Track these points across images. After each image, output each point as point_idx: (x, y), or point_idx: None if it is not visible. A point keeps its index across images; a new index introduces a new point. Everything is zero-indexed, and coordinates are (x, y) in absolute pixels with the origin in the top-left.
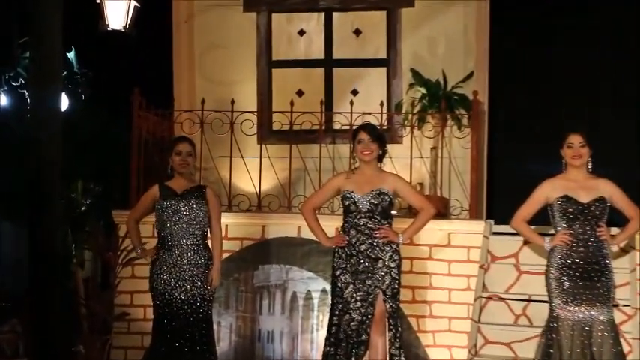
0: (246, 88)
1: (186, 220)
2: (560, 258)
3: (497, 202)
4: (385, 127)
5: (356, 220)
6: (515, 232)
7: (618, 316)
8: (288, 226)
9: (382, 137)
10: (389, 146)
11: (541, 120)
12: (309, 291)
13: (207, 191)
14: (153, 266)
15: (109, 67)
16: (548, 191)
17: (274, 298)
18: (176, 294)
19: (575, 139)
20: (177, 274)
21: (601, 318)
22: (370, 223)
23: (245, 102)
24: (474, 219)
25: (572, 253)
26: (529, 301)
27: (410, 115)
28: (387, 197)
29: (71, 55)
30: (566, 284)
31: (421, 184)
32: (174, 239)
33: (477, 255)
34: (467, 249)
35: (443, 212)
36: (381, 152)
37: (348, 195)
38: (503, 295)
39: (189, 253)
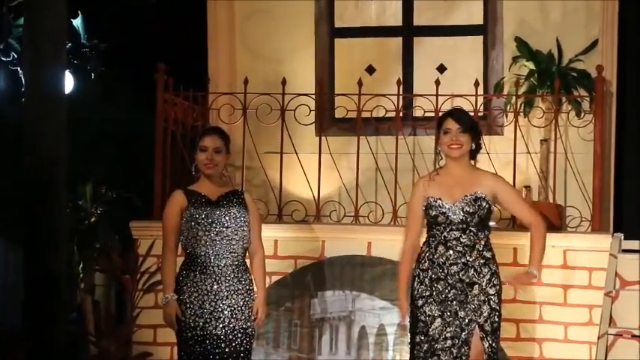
0: (302, 65)
1: (227, 233)
2: None
3: (628, 210)
4: (481, 114)
5: (445, 234)
6: None
7: None
8: (354, 242)
9: (476, 126)
10: (486, 138)
11: None
12: (382, 325)
13: (246, 196)
14: (180, 292)
15: (126, 38)
16: None
17: (337, 333)
18: (211, 328)
19: None
20: (213, 303)
21: None
22: (464, 237)
23: (300, 82)
24: (598, 232)
25: None
26: None
27: (514, 98)
28: (484, 203)
29: (77, 23)
30: None
31: (528, 188)
32: (209, 259)
33: (602, 279)
34: (588, 271)
35: (557, 224)
36: (474, 146)
37: (434, 203)
38: (636, 332)
39: (229, 277)
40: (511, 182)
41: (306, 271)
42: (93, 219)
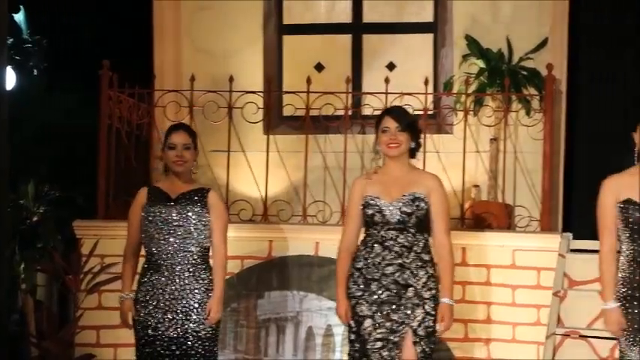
0: (250, 62)
1: (179, 232)
2: (622, 285)
3: (577, 210)
4: (430, 113)
5: (382, 234)
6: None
7: None
8: (302, 242)
9: (415, 125)
10: (436, 137)
11: (637, 103)
12: (329, 326)
13: (210, 195)
14: (137, 291)
15: (70, 34)
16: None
17: (284, 334)
18: (163, 329)
19: None
20: (168, 303)
21: None
22: (401, 237)
23: (248, 80)
24: (547, 232)
25: (637, 277)
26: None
27: (463, 97)
28: (423, 204)
29: (19, 17)
30: (630, 320)
31: (477, 187)
32: (163, 257)
33: (551, 279)
34: (537, 271)
35: (505, 223)
36: (413, 145)
37: (371, 202)
38: (584, 332)
39: (183, 276)
40: (460, 182)
41: (253, 272)
42: (35, 218)
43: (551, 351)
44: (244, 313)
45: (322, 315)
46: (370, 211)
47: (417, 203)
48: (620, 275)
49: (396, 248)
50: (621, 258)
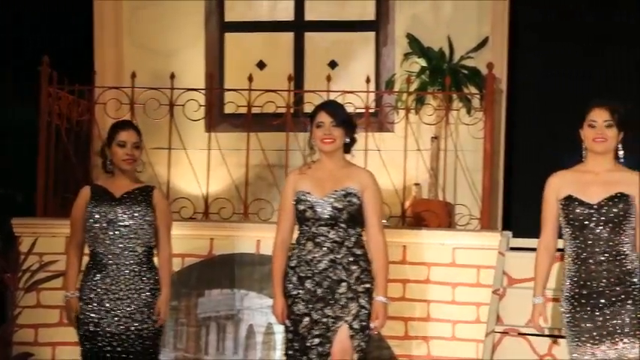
0: (191, 59)
1: (125, 232)
2: (569, 283)
3: (517, 208)
4: (372, 111)
5: (314, 230)
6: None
7: None
8: (243, 240)
9: (350, 120)
10: (377, 135)
11: (578, 101)
12: (270, 324)
13: (154, 193)
14: (81, 291)
15: (10, 30)
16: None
17: (224, 333)
18: (104, 325)
19: (600, 115)
20: (112, 302)
21: (630, 357)
22: (332, 233)
23: (189, 77)
24: (487, 230)
25: (583, 275)
26: (557, 337)
27: (405, 95)
28: (355, 199)
29: None
30: (577, 319)
31: (418, 185)
32: (108, 257)
33: (490, 277)
34: (477, 269)
35: (446, 222)
36: (348, 140)
37: (302, 197)
38: (523, 330)
39: (128, 275)
40: (402, 180)
41: (194, 270)
42: None
43: (490, 349)
44: (185, 311)
45: (263, 313)
46: (302, 207)
47: (348, 199)
48: (566, 273)
49: (327, 244)
50: (566, 256)
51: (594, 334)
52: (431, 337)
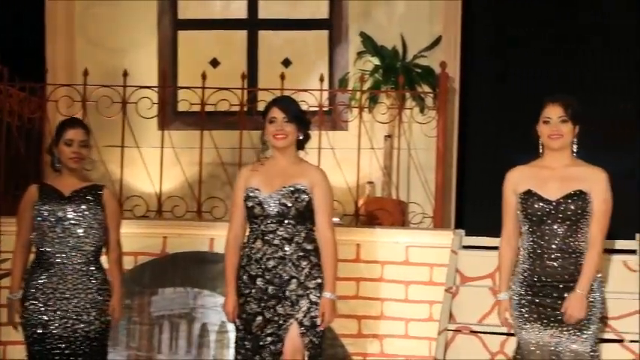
0: (144, 57)
1: (74, 231)
2: (522, 275)
3: (470, 207)
4: (326, 109)
5: (262, 227)
6: (492, 246)
7: (624, 355)
8: (197, 238)
9: (302, 116)
10: (331, 133)
11: (532, 100)
12: (223, 322)
13: (104, 192)
14: (26, 291)
15: None
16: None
17: (178, 331)
18: (52, 328)
19: (554, 111)
20: (59, 302)
21: (573, 347)
22: (281, 229)
23: (142, 74)
24: (440, 228)
25: (537, 269)
26: (509, 335)
27: (358, 94)
28: (304, 195)
29: None
30: (527, 301)
31: (371, 184)
32: (56, 256)
33: (443, 275)
34: (429, 267)
35: (399, 220)
36: (301, 136)
37: (251, 194)
38: (475, 328)
39: (76, 275)
40: (355, 178)
41: (147, 268)
42: None
43: (442, 346)
44: (137, 309)
45: (216, 312)
46: (250, 204)
47: (296, 195)
48: (520, 265)
49: (276, 241)
50: (522, 250)
51: (542, 316)
52: (384, 335)
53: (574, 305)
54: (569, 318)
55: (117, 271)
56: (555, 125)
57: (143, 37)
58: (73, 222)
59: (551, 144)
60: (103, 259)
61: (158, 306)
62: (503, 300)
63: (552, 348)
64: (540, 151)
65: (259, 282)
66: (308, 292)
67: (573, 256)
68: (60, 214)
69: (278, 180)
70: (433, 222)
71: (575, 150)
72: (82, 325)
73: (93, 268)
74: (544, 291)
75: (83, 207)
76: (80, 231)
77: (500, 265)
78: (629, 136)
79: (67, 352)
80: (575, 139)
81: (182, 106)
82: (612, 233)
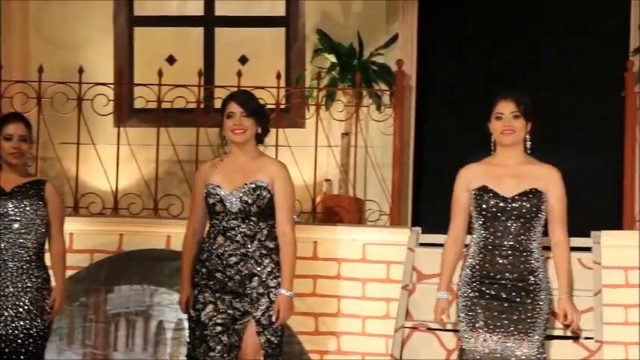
0: (100, 53)
1: (15, 227)
2: (470, 270)
3: (427, 204)
4: (283, 107)
5: (224, 224)
6: None
7: (578, 352)
8: (153, 235)
9: (261, 111)
10: (288, 131)
11: (488, 98)
12: (180, 320)
13: (46, 187)
14: None
15: None
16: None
17: (134, 329)
18: None
19: (506, 107)
20: None
21: (518, 353)
22: (244, 226)
23: (98, 71)
24: (396, 226)
25: (487, 265)
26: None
27: (315, 91)
28: (265, 192)
29: None
30: (474, 304)
31: (329, 181)
32: None
33: (400, 273)
34: (386, 265)
35: (356, 218)
36: (259, 130)
37: (212, 190)
38: (432, 325)
39: (16, 273)
40: (312, 176)
41: (103, 266)
42: None
43: (399, 344)
44: (93, 307)
45: (173, 309)
46: (211, 201)
47: (258, 192)
48: (469, 260)
49: (239, 238)
50: (472, 245)
51: (489, 322)
52: (341, 333)
53: (571, 311)
54: (574, 326)
55: (59, 266)
56: (508, 121)
57: (99, 33)
58: (13, 218)
59: (503, 139)
60: (47, 256)
61: (114, 304)
62: (441, 299)
63: (498, 355)
64: (492, 148)
65: (218, 275)
66: (269, 290)
67: (524, 254)
68: (1, 210)
69: (238, 176)
70: (390, 220)
71: (529, 147)
72: (23, 323)
73: (34, 266)
74: (492, 290)
75: (25, 203)
76: (22, 227)
77: (444, 264)
78: (582, 134)
79: (6, 350)
80: (528, 136)
81: (138, 103)
82: (567, 231)
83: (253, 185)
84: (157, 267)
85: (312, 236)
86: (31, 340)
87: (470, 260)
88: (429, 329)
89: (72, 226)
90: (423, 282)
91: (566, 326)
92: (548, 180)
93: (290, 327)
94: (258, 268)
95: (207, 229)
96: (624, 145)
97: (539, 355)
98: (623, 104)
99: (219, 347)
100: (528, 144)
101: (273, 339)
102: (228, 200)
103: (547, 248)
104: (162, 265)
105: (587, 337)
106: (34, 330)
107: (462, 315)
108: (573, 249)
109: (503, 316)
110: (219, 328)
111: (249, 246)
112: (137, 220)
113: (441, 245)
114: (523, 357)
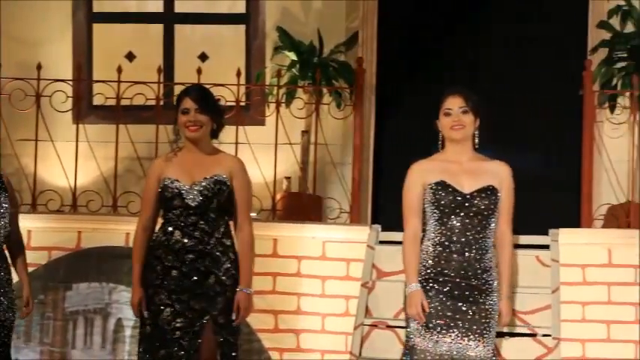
0: (58, 50)
1: None
2: (424, 267)
3: (386, 202)
4: (243, 104)
5: (182, 219)
6: None
7: (536, 349)
8: (112, 233)
9: (215, 106)
10: (248, 128)
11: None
12: None
13: (4, 180)
14: None
15: None
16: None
17: (92, 326)
18: None
19: (455, 102)
20: None
21: (472, 354)
22: (202, 222)
23: (56, 67)
24: (356, 224)
25: (442, 262)
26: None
27: (275, 89)
28: (224, 187)
29: None
30: (431, 303)
31: (288, 179)
32: None
33: (359, 270)
34: (346, 262)
35: (316, 215)
36: (215, 126)
37: (170, 184)
38: (391, 323)
39: None
40: (272, 174)
41: (61, 263)
42: None
43: (359, 341)
44: (51, 305)
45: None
46: (169, 195)
47: (218, 186)
48: (422, 257)
49: (197, 234)
50: (426, 241)
51: (442, 322)
52: (301, 330)
53: (506, 312)
54: (504, 324)
55: (23, 260)
56: (457, 116)
57: (58, 30)
58: None
59: (453, 135)
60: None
61: (72, 301)
62: (416, 290)
63: (452, 355)
64: (441, 144)
65: (174, 273)
66: (225, 289)
67: (480, 252)
68: None
69: (197, 171)
70: (350, 217)
71: (477, 143)
72: None
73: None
74: (446, 289)
75: None
76: None
77: (408, 260)
78: (543, 133)
79: None
80: (477, 132)
81: (97, 100)
82: (526, 228)
83: (213, 179)
84: (115, 264)
85: (272, 234)
86: (6, 332)
87: (423, 256)
88: (389, 327)
89: (30, 223)
90: (382, 279)
91: None
92: (502, 177)
93: (250, 324)
94: (216, 266)
95: (158, 225)
96: (582, 143)
97: (493, 357)
98: (581, 103)
99: (180, 353)
100: (476, 140)
101: (230, 338)
102: (188, 194)
103: None
104: (121, 262)
105: (544, 335)
106: (8, 322)
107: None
108: (531, 247)
109: (457, 316)
110: (178, 333)
111: (207, 243)
112: (96, 217)
113: (400, 243)
114: (478, 358)
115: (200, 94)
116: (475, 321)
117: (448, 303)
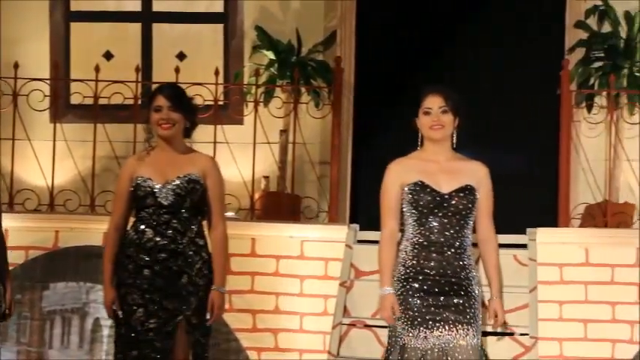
0: (36, 48)
1: None
2: (403, 267)
3: (364, 201)
4: (221, 103)
5: (155, 217)
6: None
7: (514, 348)
8: (90, 232)
9: (189, 104)
10: (226, 128)
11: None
12: None
13: None
14: None
15: None
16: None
17: (70, 326)
18: None
19: (434, 102)
20: None
21: (462, 343)
22: (175, 221)
23: (34, 66)
24: (334, 223)
25: (422, 261)
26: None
27: (253, 88)
28: (198, 186)
29: None
30: (410, 301)
31: (267, 178)
32: None
33: (337, 270)
34: (324, 262)
35: (294, 215)
36: (188, 125)
37: (143, 183)
38: (369, 322)
39: None
40: (250, 173)
41: (38, 262)
42: None
43: (337, 341)
44: (28, 304)
45: None
46: (141, 193)
47: (191, 185)
48: (401, 257)
49: (169, 233)
50: (404, 242)
51: (427, 317)
52: (279, 330)
53: (501, 313)
54: (500, 323)
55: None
56: (436, 115)
57: (35, 28)
58: None
59: (432, 134)
60: None
61: (50, 301)
62: (388, 294)
63: (440, 350)
64: (420, 143)
65: (146, 272)
66: (198, 289)
67: (459, 251)
68: None
69: (170, 169)
70: (328, 216)
71: (454, 142)
72: None
73: None
74: (425, 286)
75: None
76: None
77: (383, 261)
78: (520, 133)
79: None
80: (455, 132)
81: (75, 99)
82: (503, 227)
83: (187, 178)
84: (93, 264)
85: (250, 233)
86: None
87: (403, 256)
88: (367, 326)
89: (7, 222)
90: (360, 279)
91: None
92: (480, 177)
93: (228, 324)
94: (189, 266)
95: (130, 223)
96: (560, 143)
97: (481, 346)
98: (558, 102)
99: (153, 354)
100: (454, 139)
101: (202, 339)
102: (161, 193)
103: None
104: (99, 262)
105: (522, 334)
106: None
107: (401, 314)
108: (509, 246)
109: (441, 309)
110: (151, 334)
111: (180, 243)
112: (73, 216)
113: (378, 242)
114: (469, 346)
115: (173, 91)
116: (460, 311)
117: (430, 299)
